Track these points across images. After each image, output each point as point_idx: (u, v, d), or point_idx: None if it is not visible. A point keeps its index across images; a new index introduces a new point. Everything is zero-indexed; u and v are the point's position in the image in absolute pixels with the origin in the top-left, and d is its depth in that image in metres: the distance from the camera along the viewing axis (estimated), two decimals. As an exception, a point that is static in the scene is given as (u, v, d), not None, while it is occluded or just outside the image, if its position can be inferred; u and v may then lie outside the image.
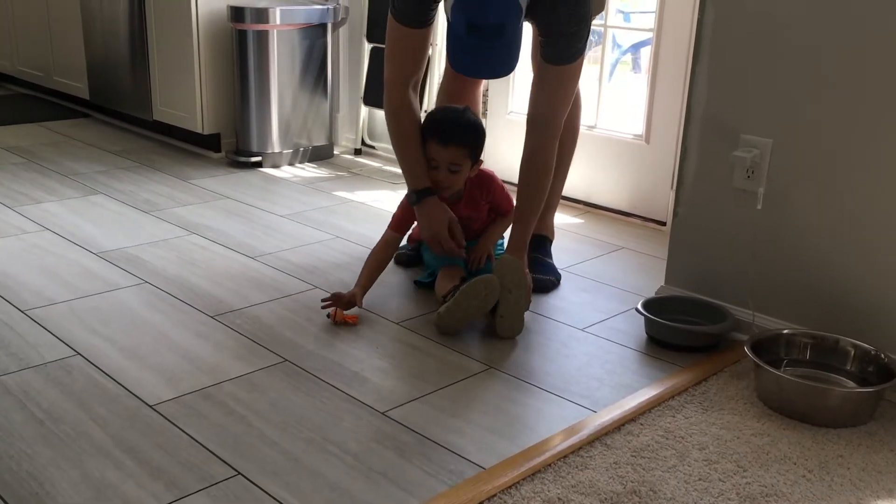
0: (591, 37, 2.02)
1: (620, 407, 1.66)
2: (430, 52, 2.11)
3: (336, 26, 3.52)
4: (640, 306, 1.98)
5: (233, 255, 2.43)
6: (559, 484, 1.41)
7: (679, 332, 1.92)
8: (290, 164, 3.45)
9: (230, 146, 3.49)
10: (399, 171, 3.36)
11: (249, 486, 1.39)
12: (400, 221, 2.18)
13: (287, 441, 1.52)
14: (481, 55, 1.83)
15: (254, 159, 3.37)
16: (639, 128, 2.84)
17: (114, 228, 2.61)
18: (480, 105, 2.49)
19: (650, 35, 2.76)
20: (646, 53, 4.42)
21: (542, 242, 2.38)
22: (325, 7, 3.39)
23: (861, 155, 1.76)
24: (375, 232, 2.64)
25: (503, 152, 3.11)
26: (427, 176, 2.08)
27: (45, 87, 4.45)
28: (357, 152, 3.65)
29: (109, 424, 1.55)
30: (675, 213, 2.09)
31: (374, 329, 1.99)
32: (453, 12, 1.81)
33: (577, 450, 1.51)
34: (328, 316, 2.02)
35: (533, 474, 1.43)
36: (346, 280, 2.26)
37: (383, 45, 3.37)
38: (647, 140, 2.81)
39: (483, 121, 2.27)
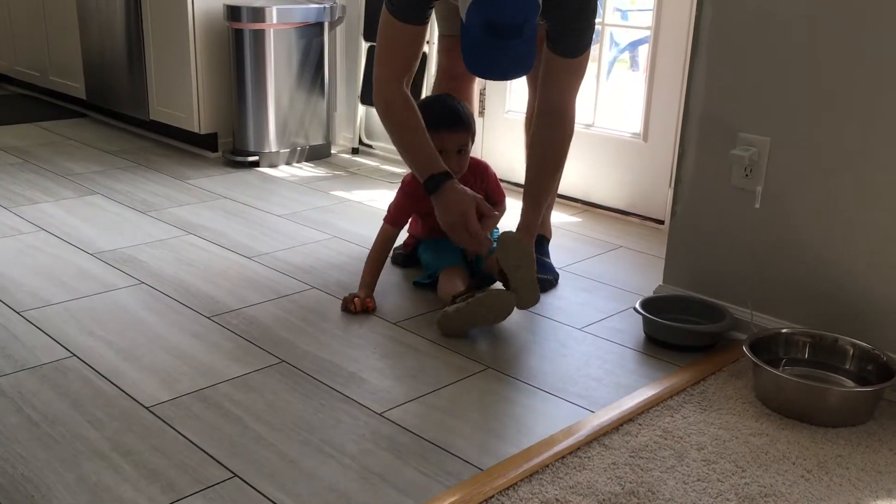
0: (592, 34, 2.02)
1: (619, 407, 1.65)
2: (424, 50, 2.08)
3: (333, 25, 3.51)
4: (638, 305, 1.98)
5: (230, 256, 2.42)
6: (557, 485, 1.40)
7: (677, 331, 1.91)
8: (288, 163, 3.44)
9: (227, 146, 3.49)
10: (396, 170, 3.38)
11: (246, 489, 1.38)
12: (396, 215, 2.19)
13: (284, 442, 1.51)
14: (499, 55, 1.78)
15: (251, 159, 3.36)
16: (637, 126, 2.84)
17: (110, 229, 2.60)
18: (476, 103, 2.49)
19: (648, 33, 2.75)
20: (644, 51, 4.41)
21: (539, 241, 2.36)
22: (322, 6, 3.38)
23: (859, 153, 1.75)
24: (373, 231, 2.62)
25: (500, 151, 3.10)
26: (438, 157, 2.02)
27: (42, 87, 4.44)
28: (354, 151, 3.64)
29: (105, 426, 1.54)
30: (674, 212, 2.09)
31: (371, 329, 1.98)
32: (469, 13, 1.75)
33: (575, 450, 1.50)
34: (348, 310, 2.05)
35: (531, 475, 1.43)
36: (343, 280, 2.25)
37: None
38: (645, 138, 2.80)
39: (480, 120, 2.27)
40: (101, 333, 1.91)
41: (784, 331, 1.83)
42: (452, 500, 1.35)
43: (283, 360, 1.81)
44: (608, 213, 2.92)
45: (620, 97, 4.29)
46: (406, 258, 2.37)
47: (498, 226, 2.24)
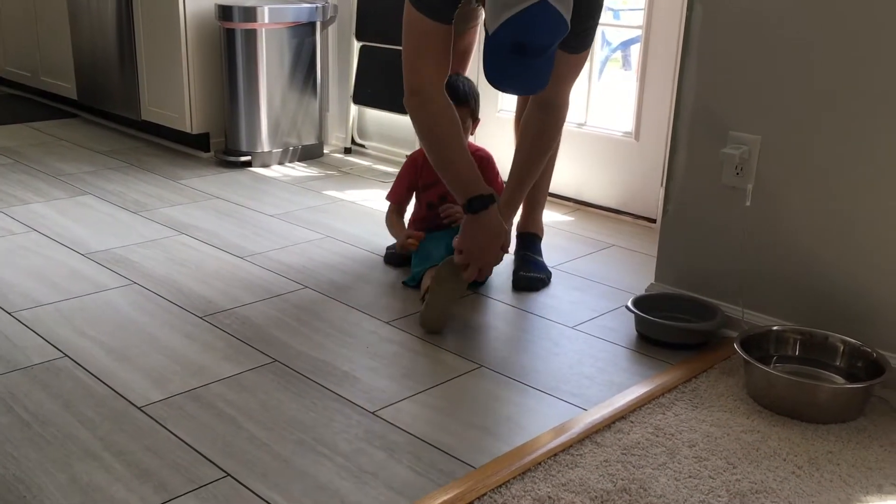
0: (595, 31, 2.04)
1: (611, 405, 1.66)
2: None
3: (325, 25, 3.51)
4: (630, 304, 1.98)
5: (222, 256, 2.42)
6: (549, 482, 1.41)
7: (669, 329, 1.92)
8: (280, 163, 3.44)
9: (219, 146, 3.48)
10: (389, 169, 3.38)
11: (238, 488, 1.38)
12: (396, 189, 2.31)
13: (276, 442, 1.51)
14: (521, 72, 1.75)
15: (243, 159, 3.36)
16: (628, 125, 2.84)
17: (102, 229, 2.60)
18: None
19: (640, 32, 2.76)
20: (635, 51, 4.42)
21: (532, 240, 2.37)
22: (314, 5, 3.38)
23: (850, 151, 1.76)
24: (366, 231, 2.64)
25: (491, 149, 3.09)
26: (482, 177, 1.95)
27: (33, 87, 4.43)
28: (347, 151, 3.64)
29: (97, 426, 1.54)
30: (665, 211, 2.09)
31: (364, 328, 1.98)
32: (500, 29, 1.69)
33: (567, 448, 1.51)
34: (406, 250, 2.20)
35: (523, 473, 1.43)
36: (336, 279, 2.26)
37: (372, 44, 3.41)
38: (637, 137, 2.81)
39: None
40: (93, 334, 1.90)
41: (775, 328, 1.84)
42: (445, 498, 1.35)
43: (276, 360, 1.81)
44: (600, 212, 2.92)
45: (612, 96, 4.30)
46: (399, 258, 2.37)
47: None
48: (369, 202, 2.95)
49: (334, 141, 3.72)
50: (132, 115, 3.72)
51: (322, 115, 3.57)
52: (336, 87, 3.66)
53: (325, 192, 3.06)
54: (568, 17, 1.71)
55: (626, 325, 2.02)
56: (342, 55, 3.59)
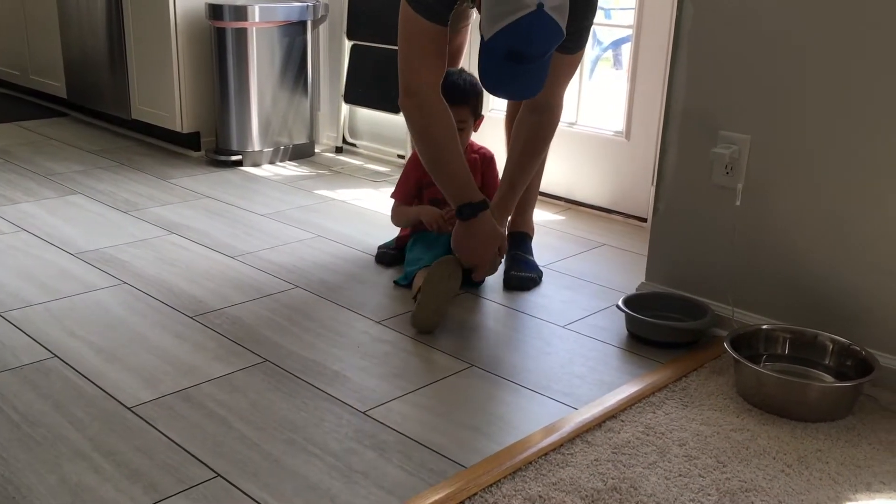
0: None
1: (601, 404, 1.66)
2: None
3: (316, 24, 3.50)
4: (620, 303, 1.99)
5: (213, 255, 2.41)
6: (540, 482, 1.41)
7: (659, 328, 1.92)
8: (271, 162, 3.43)
9: (210, 145, 3.47)
10: (380, 168, 3.37)
11: (229, 488, 1.38)
12: (402, 188, 2.31)
13: (267, 442, 1.51)
14: (517, 78, 1.76)
15: (234, 158, 3.35)
16: (619, 124, 2.85)
17: (92, 229, 2.59)
18: None
19: (630, 32, 2.77)
20: (627, 50, 4.43)
21: (522, 239, 2.38)
22: (305, 4, 3.37)
23: (839, 150, 1.77)
24: (357, 231, 2.64)
25: (484, 150, 3.11)
26: (475, 183, 1.98)
27: (22, 86, 4.40)
28: (338, 150, 3.64)
29: (87, 427, 1.53)
30: (655, 210, 2.10)
31: (355, 328, 1.98)
32: (495, 37, 1.69)
33: (558, 447, 1.51)
34: (434, 229, 2.20)
35: (514, 472, 1.43)
36: (327, 279, 2.25)
37: (364, 43, 3.40)
38: (628, 137, 2.81)
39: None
40: (83, 334, 1.90)
41: (765, 327, 1.84)
42: (436, 497, 1.35)
43: (267, 360, 1.81)
44: (591, 211, 2.93)
45: (603, 96, 4.30)
46: (392, 258, 2.37)
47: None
48: (360, 201, 2.94)
49: (325, 140, 3.71)
50: (122, 115, 3.71)
51: (313, 114, 3.57)
52: (327, 86, 3.66)
53: (316, 192, 3.06)
54: (564, 24, 1.71)
55: (616, 325, 2.03)
56: (333, 54, 3.59)
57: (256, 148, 3.38)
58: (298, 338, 1.92)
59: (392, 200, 2.37)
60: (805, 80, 1.78)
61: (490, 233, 1.97)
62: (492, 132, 3.06)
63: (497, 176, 2.32)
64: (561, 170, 2.96)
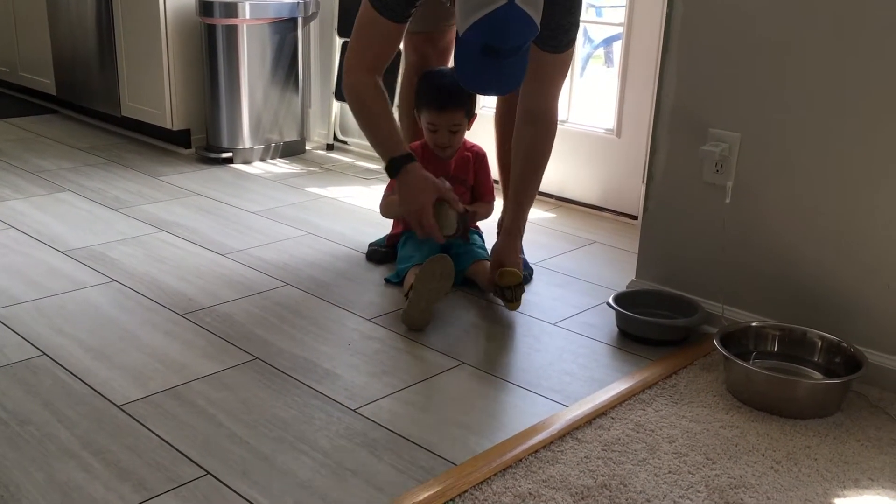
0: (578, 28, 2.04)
1: (592, 401, 1.66)
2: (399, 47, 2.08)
3: (307, 20, 3.49)
4: (611, 300, 1.99)
5: (203, 253, 2.40)
6: (530, 479, 1.41)
7: (650, 325, 1.93)
8: (262, 159, 3.43)
9: (200, 142, 3.46)
10: (371, 166, 3.37)
11: (219, 486, 1.38)
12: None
13: (257, 440, 1.51)
14: (493, 74, 1.77)
15: (224, 155, 3.34)
16: (610, 122, 2.85)
17: (81, 226, 2.57)
18: None
19: (621, 29, 2.77)
20: (618, 48, 4.43)
21: (513, 237, 2.37)
22: (296, 1, 3.36)
23: (828, 148, 1.77)
24: (347, 228, 2.63)
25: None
26: (404, 142, 2.00)
27: (11, 82, 4.38)
28: (329, 148, 3.63)
29: (76, 425, 1.53)
30: (646, 208, 2.10)
31: (345, 326, 1.98)
32: (468, 31, 1.71)
33: (548, 444, 1.51)
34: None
35: (504, 469, 1.43)
36: (318, 276, 2.25)
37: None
38: (619, 134, 2.82)
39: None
40: (72, 332, 1.89)
41: (754, 324, 1.85)
42: (426, 495, 1.35)
43: (257, 358, 1.80)
44: (582, 209, 2.93)
45: (595, 93, 4.30)
46: (383, 255, 2.37)
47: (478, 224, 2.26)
48: (351, 199, 2.94)
49: (316, 137, 3.70)
50: (112, 111, 3.69)
51: (304, 111, 3.56)
52: (318, 83, 3.65)
53: (307, 189, 3.05)
54: (537, 17, 1.72)
55: (607, 322, 2.03)
56: (324, 51, 3.58)
57: (247, 145, 3.37)
58: (289, 335, 1.91)
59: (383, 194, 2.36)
60: (795, 78, 1.79)
61: (420, 182, 1.93)
62: (481, 129, 3.06)
63: (489, 173, 2.32)
64: (552, 167, 2.93)
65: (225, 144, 3.34)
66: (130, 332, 1.90)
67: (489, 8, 1.65)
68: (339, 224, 2.67)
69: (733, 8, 1.84)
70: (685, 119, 1.97)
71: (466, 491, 1.37)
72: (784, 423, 1.62)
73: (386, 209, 2.32)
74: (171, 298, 2.08)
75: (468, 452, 1.49)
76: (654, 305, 2.01)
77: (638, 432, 1.57)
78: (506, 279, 2.00)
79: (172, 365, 1.76)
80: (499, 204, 2.34)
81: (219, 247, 2.45)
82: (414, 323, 1.95)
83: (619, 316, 1.98)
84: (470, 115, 2.24)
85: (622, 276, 2.27)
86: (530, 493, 1.37)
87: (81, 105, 3.91)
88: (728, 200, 1.91)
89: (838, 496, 1.40)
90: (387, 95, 2.01)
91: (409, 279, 2.08)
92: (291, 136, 3.51)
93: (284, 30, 3.36)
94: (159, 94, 3.39)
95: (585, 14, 3.10)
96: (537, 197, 2.94)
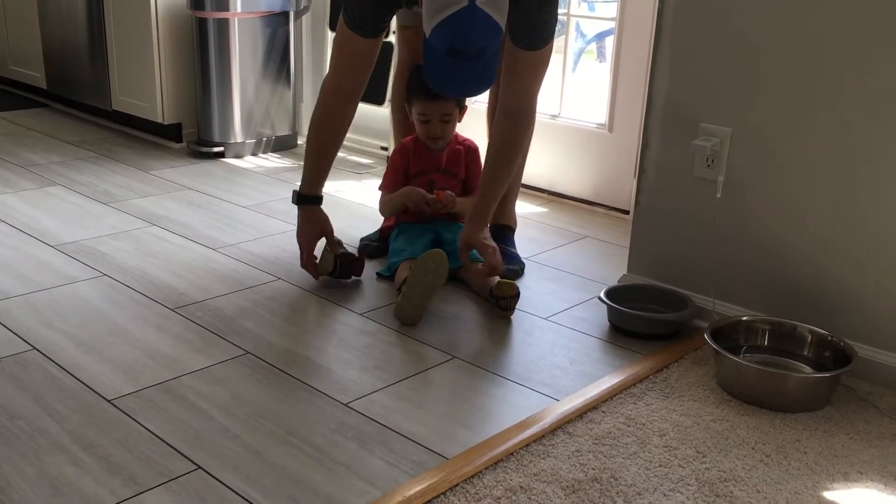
0: (556, 25, 2.02)
1: (583, 395, 1.67)
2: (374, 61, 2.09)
3: (298, 14, 3.48)
4: (602, 295, 2.00)
5: (194, 247, 2.40)
6: (521, 472, 1.42)
7: (641, 320, 1.93)
8: (253, 154, 3.42)
9: (191, 136, 3.45)
10: (363, 160, 3.36)
11: (210, 481, 1.37)
12: (391, 179, 2.31)
13: (248, 434, 1.51)
14: (461, 75, 1.79)
15: (216, 149, 3.33)
16: (602, 117, 2.85)
17: (72, 220, 2.56)
18: None
19: (613, 24, 2.77)
20: (611, 43, 4.44)
21: (504, 231, 2.38)
22: (287, -5, 3.36)
23: (819, 144, 1.78)
24: (340, 223, 2.61)
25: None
26: (321, 187, 2.17)
27: (1, 76, 4.35)
28: (321, 142, 3.62)
29: (67, 420, 1.52)
30: (637, 202, 2.11)
31: (336, 320, 1.98)
32: (433, 34, 1.73)
33: (539, 438, 1.52)
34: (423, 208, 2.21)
35: (495, 463, 1.44)
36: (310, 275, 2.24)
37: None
38: (611, 129, 2.82)
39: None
40: (63, 326, 1.88)
41: (744, 318, 1.86)
42: (418, 488, 1.36)
43: (248, 352, 1.80)
44: (574, 203, 2.94)
45: (587, 88, 4.31)
46: (375, 250, 2.37)
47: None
48: (343, 193, 2.93)
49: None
50: (103, 105, 3.67)
51: (296, 105, 3.55)
52: (310, 77, 3.64)
53: (298, 183, 3.04)
54: (500, 19, 1.74)
55: (598, 316, 2.03)
56: (316, 45, 3.57)
57: (239, 139, 3.36)
58: (280, 330, 1.91)
59: (380, 193, 2.36)
60: (786, 73, 1.79)
61: (313, 224, 2.16)
62: (474, 123, 3.06)
63: (481, 167, 2.32)
64: (544, 162, 2.96)
65: (216, 139, 3.33)
66: (121, 326, 1.90)
67: (451, 10, 1.68)
68: (331, 219, 2.65)
69: (725, 3, 1.85)
70: (677, 114, 1.98)
71: (458, 485, 1.38)
72: (774, 416, 1.63)
73: (384, 208, 2.33)
74: (162, 293, 2.08)
75: (460, 446, 1.49)
76: (645, 300, 2.01)
77: (629, 426, 1.57)
78: (503, 290, 2.01)
79: (163, 359, 1.75)
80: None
81: (210, 241, 2.45)
82: (407, 317, 1.95)
83: (610, 310, 1.98)
84: (461, 106, 2.25)
85: (614, 270, 2.28)
86: (521, 487, 1.38)
87: (72, 99, 3.89)
88: (719, 195, 1.92)
89: (827, 489, 1.41)
90: (346, 130, 2.15)
91: (402, 273, 2.08)
92: (283, 131, 3.50)
93: (276, 23, 3.35)
94: (150, 88, 3.37)
95: (578, 9, 3.10)
96: (529, 192, 2.97)
